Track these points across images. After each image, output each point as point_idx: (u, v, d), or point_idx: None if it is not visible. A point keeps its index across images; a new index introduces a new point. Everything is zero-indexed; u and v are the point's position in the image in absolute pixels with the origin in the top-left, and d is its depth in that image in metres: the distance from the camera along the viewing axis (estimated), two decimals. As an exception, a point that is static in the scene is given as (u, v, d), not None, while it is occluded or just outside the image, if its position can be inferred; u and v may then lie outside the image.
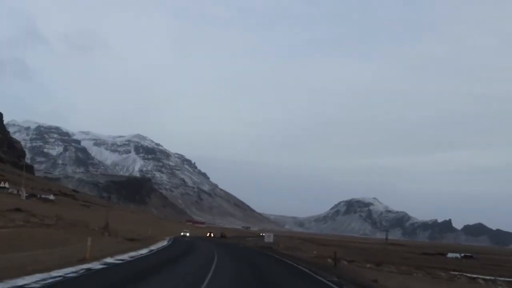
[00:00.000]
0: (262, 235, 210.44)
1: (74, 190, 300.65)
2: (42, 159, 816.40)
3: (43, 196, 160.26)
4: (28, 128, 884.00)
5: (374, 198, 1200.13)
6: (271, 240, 78.04)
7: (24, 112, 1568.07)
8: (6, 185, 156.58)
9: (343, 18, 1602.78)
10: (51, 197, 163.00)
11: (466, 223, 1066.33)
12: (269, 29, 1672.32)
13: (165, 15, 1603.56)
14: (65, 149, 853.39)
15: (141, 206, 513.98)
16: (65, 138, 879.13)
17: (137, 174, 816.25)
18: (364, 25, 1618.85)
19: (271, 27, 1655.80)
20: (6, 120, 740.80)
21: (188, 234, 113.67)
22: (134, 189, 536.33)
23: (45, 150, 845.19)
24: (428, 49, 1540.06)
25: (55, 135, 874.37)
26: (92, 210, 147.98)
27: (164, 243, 55.56)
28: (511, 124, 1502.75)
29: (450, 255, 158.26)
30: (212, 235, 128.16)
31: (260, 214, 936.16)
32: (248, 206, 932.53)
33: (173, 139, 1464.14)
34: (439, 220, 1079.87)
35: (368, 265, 39.53)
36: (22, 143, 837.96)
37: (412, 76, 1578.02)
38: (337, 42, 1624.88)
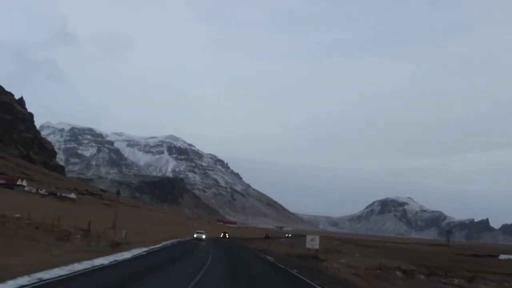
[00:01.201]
0: (288, 236, 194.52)
1: (102, 190, 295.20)
2: (76, 160, 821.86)
3: (63, 194, 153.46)
4: (62, 130, 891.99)
5: (409, 198, 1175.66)
6: (317, 246, 49.52)
7: (58, 114, 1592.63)
8: (24, 183, 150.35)
9: (368, 20, 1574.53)
10: (72, 195, 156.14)
11: (504, 222, 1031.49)
12: (296, 31, 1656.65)
13: (196, 17, 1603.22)
14: (99, 150, 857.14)
15: (174, 207, 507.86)
16: (99, 139, 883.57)
17: (170, 175, 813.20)
18: (389, 27, 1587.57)
19: (298, 29, 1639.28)
20: (40, 122, 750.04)
21: (204, 236, 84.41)
22: (167, 190, 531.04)
23: (79, 151, 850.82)
24: (459, 50, 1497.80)
25: (89, 137, 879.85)
26: (114, 209, 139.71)
27: (125, 255, 30.29)
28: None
29: (502, 256, 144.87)
30: (227, 236, 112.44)
31: (293, 214, 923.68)
32: (281, 206, 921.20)
33: (206, 140, 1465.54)
34: (476, 220, 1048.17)
35: (456, 281, 27.98)
36: (56, 144, 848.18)
37: (442, 76, 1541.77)
38: (367, 44, 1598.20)
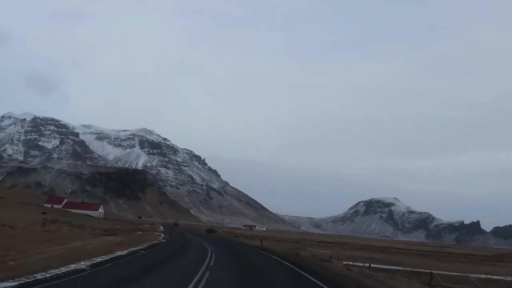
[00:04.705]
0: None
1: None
2: (37, 152, 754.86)
3: None
4: (23, 120, 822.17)
5: (395, 198, 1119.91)
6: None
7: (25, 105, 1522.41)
8: None
9: (354, 18, 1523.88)
10: None
11: (496, 225, 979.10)
12: (282, 28, 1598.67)
13: (175, 13, 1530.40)
14: (62, 142, 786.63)
15: (132, 202, 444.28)
16: (62, 130, 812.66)
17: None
18: (376, 25, 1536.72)
19: (282, 27, 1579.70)
20: (2, 112, 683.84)
21: None
22: (125, 183, 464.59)
23: (40, 143, 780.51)
24: (443, 49, 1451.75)
25: (52, 127, 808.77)
26: None
27: None
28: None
29: None
30: None
31: (274, 214, 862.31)
32: (261, 206, 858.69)
33: (182, 135, 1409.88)
34: (466, 222, 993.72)
35: None
36: (16, 135, 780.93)
37: (433, 75, 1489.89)
38: (352, 42, 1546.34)
